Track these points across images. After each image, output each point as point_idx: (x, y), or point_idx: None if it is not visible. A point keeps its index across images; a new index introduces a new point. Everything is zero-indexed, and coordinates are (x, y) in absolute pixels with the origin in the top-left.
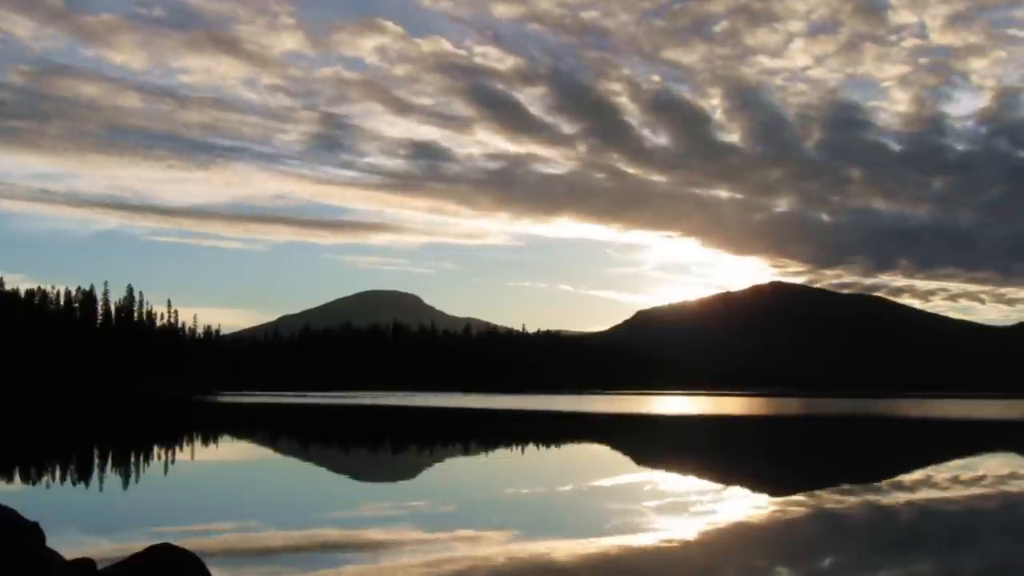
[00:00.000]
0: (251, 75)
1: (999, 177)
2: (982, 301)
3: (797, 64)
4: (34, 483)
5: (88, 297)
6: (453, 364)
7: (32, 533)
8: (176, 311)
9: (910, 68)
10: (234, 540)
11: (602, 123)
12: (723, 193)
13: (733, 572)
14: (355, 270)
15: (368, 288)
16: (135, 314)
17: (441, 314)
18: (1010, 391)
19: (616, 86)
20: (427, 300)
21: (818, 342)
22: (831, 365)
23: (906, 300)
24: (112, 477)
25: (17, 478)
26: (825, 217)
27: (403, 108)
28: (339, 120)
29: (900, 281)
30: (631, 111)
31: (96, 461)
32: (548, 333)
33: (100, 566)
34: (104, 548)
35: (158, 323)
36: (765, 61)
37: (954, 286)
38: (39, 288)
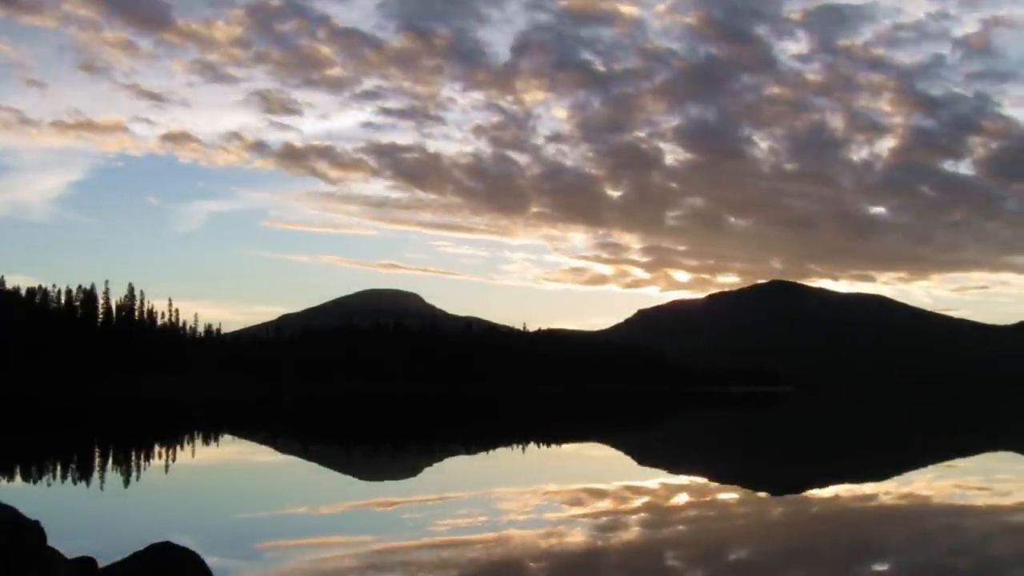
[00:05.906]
0: None
1: None
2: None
3: None
4: (35, 482)
5: (89, 295)
6: (454, 361)
7: (33, 531)
8: (177, 309)
9: None
10: (235, 538)
11: None
12: None
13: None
14: (355, 268)
15: (368, 287)
16: (136, 312)
17: (443, 312)
18: (1010, 389)
19: None
20: (428, 299)
21: (819, 341)
22: (832, 364)
23: (907, 299)
24: (112, 476)
25: (18, 477)
26: (827, 215)
27: None
28: None
29: (901, 279)
30: None
31: (96, 460)
32: (550, 331)
33: (101, 564)
34: (105, 546)
35: (159, 322)
36: None
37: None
38: (40, 287)
